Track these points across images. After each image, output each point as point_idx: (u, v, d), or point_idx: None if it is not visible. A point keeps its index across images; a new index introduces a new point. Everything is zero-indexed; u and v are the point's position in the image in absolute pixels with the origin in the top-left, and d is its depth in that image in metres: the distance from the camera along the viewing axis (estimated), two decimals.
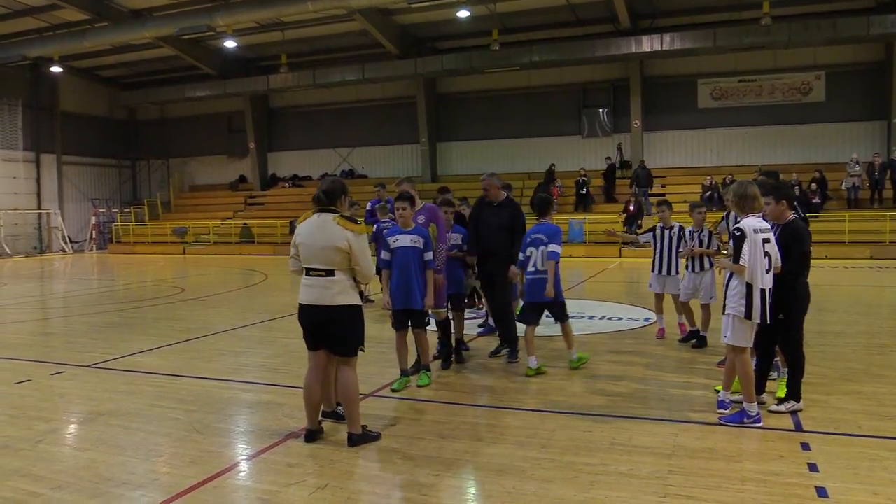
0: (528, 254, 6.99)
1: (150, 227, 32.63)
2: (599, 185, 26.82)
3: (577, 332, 9.29)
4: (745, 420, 5.25)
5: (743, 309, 5.21)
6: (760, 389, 5.60)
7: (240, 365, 7.88)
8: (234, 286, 17.16)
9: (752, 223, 5.23)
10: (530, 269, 6.96)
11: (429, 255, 6.35)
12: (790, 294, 5.45)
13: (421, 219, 6.70)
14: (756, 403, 5.30)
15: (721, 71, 26.55)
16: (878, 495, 4.03)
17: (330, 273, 4.91)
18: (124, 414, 5.87)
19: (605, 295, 11.43)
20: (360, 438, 4.99)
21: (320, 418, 5.49)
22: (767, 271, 5.22)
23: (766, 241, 5.22)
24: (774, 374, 6.07)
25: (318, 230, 4.93)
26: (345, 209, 5.11)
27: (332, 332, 4.98)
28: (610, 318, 10.34)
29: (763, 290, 5.20)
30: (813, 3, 23.73)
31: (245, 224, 30.50)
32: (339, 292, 4.93)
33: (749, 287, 5.19)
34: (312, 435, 5.06)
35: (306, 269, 4.99)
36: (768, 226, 5.33)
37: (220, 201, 34.48)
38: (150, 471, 4.62)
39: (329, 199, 4.97)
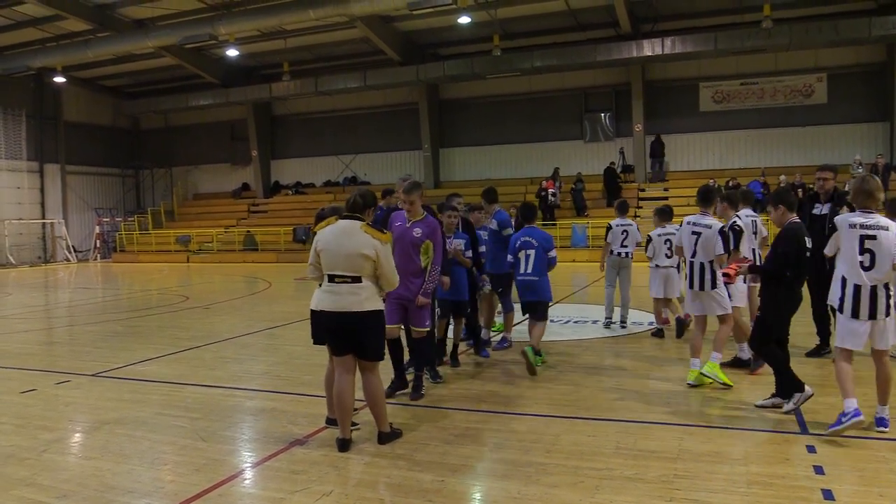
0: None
1: (153, 235, 32.70)
2: (598, 190, 26.90)
3: (580, 337, 9.32)
4: (843, 420, 4.96)
5: (837, 301, 5.15)
6: (800, 385, 5.52)
7: (244, 372, 7.88)
8: (238, 294, 17.17)
9: (851, 218, 5.11)
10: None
11: (469, 254, 7.26)
12: (766, 295, 5.61)
13: (418, 231, 6.14)
14: (854, 399, 4.99)
15: (723, 74, 26.56)
16: (885, 497, 4.01)
17: (357, 280, 4.94)
18: (129, 422, 5.88)
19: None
20: (389, 436, 5.15)
21: (325, 425, 5.52)
22: (868, 268, 4.99)
23: (867, 237, 5.00)
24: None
25: (345, 237, 4.95)
26: (370, 220, 5.14)
27: (362, 339, 5.01)
28: (613, 322, 10.32)
29: (858, 286, 5.01)
30: (814, 6, 23.73)
31: (248, 232, 30.56)
32: (367, 298, 4.97)
33: (843, 280, 5.10)
34: (346, 444, 5.02)
35: (329, 275, 4.99)
36: (878, 222, 5.05)
37: (223, 209, 34.54)
38: (155, 479, 4.62)
39: (364, 204, 5.06)
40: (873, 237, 5.01)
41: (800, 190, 22.56)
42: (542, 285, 7.51)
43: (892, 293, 5.08)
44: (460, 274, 7.32)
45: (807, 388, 5.49)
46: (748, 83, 26.41)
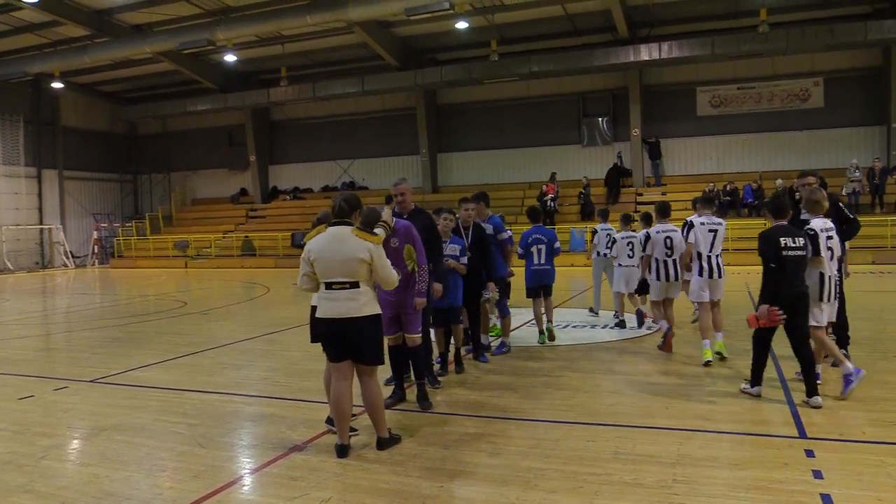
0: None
1: (151, 241, 32.70)
2: (598, 194, 26.94)
3: (580, 342, 9.33)
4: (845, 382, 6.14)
5: (817, 292, 6.18)
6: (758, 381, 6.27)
7: (242, 378, 7.87)
8: (236, 299, 17.16)
9: (819, 223, 6.31)
10: None
11: (464, 260, 7.31)
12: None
13: (394, 242, 6.03)
14: (849, 363, 6.22)
15: (720, 78, 26.64)
16: (884, 501, 4.01)
17: (355, 285, 4.96)
18: (127, 429, 5.87)
19: (606, 303, 11.50)
20: (387, 442, 5.15)
21: (325, 425, 5.52)
22: (830, 260, 6.28)
23: (829, 237, 6.28)
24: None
25: (338, 243, 4.95)
26: (357, 223, 5.15)
27: (361, 343, 5.01)
28: (612, 327, 10.33)
29: (829, 277, 6.23)
30: (810, 10, 23.84)
31: (246, 237, 30.55)
32: (365, 303, 4.99)
33: (820, 275, 6.20)
34: (345, 450, 5.02)
35: (327, 283, 4.99)
36: (832, 225, 6.42)
37: (221, 214, 34.55)
38: (153, 485, 4.61)
39: (350, 208, 5.06)
40: (831, 237, 6.32)
41: (797, 194, 22.59)
42: (552, 272, 9.04)
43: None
44: (454, 280, 7.28)
45: (759, 388, 6.23)
46: (745, 87, 26.49)
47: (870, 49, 24.11)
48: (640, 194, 26.72)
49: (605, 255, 11.08)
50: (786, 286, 5.94)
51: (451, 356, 7.68)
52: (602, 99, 28.60)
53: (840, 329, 7.32)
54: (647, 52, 24.20)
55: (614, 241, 10.52)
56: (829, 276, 6.22)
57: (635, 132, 27.22)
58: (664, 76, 27.28)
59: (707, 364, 7.46)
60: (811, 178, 7.43)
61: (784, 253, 5.91)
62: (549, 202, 25.78)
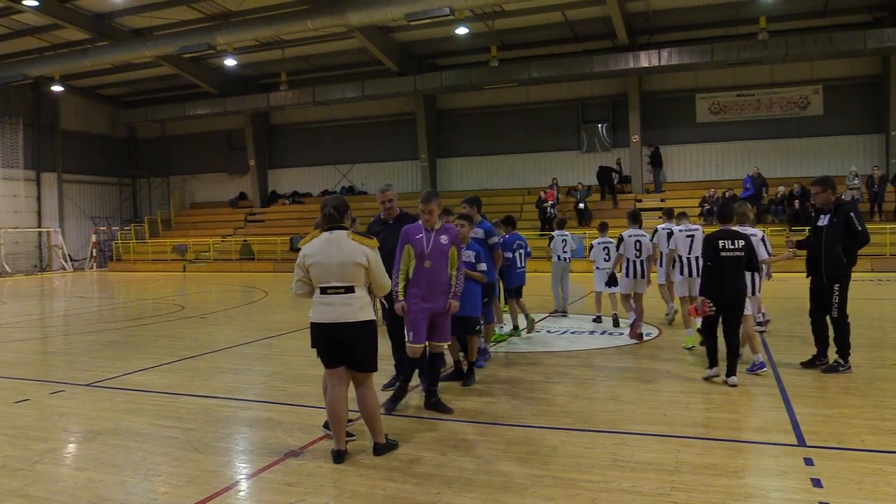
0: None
1: (150, 244, 32.68)
2: (594, 200, 27.00)
3: (575, 348, 9.31)
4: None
5: (749, 286, 7.33)
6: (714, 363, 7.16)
7: (239, 383, 7.84)
8: (234, 303, 17.13)
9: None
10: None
11: (483, 267, 7.24)
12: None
13: (444, 239, 6.14)
14: (760, 354, 7.40)
15: (719, 85, 26.70)
16: None
17: (350, 290, 4.94)
18: (123, 433, 5.84)
19: (605, 309, 11.50)
20: (384, 448, 5.14)
21: (323, 430, 5.50)
22: None
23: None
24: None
25: (334, 248, 4.94)
26: (348, 225, 5.14)
27: (356, 349, 4.99)
28: (611, 334, 10.32)
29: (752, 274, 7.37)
30: (810, 18, 23.91)
31: (245, 241, 30.54)
32: (361, 308, 4.97)
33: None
34: (341, 455, 5.00)
35: (322, 287, 4.97)
36: (754, 231, 7.78)
37: (220, 218, 34.54)
38: (148, 490, 4.59)
39: (340, 215, 5.04)
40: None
41: (797, 201, 22.67)
42: (524, 274, 10.25)
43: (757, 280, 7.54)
44: (473, 289, 7.12)
45: (715, 368, 6.99)
46: (744, 94, 26.54)
47: (869, 57, 24.15)
48: (640, 200, 26.72)
49: (565, 258, 12.19)
50: (725, 283, 6.81)
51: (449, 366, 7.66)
52: (601, 105, 28.64)
53: (839, 334, 7.31)
54: (646, 59, 24.24)
55: (591, 247, 11.44)
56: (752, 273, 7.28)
57: (635, 139, 27.26)
58: (664, 83, 27.34)
59: (690, 349, 8.64)
60: (816, 187, 7.41)
61: (722, 254, 6.80)
62: (548, 209, 25.75)
